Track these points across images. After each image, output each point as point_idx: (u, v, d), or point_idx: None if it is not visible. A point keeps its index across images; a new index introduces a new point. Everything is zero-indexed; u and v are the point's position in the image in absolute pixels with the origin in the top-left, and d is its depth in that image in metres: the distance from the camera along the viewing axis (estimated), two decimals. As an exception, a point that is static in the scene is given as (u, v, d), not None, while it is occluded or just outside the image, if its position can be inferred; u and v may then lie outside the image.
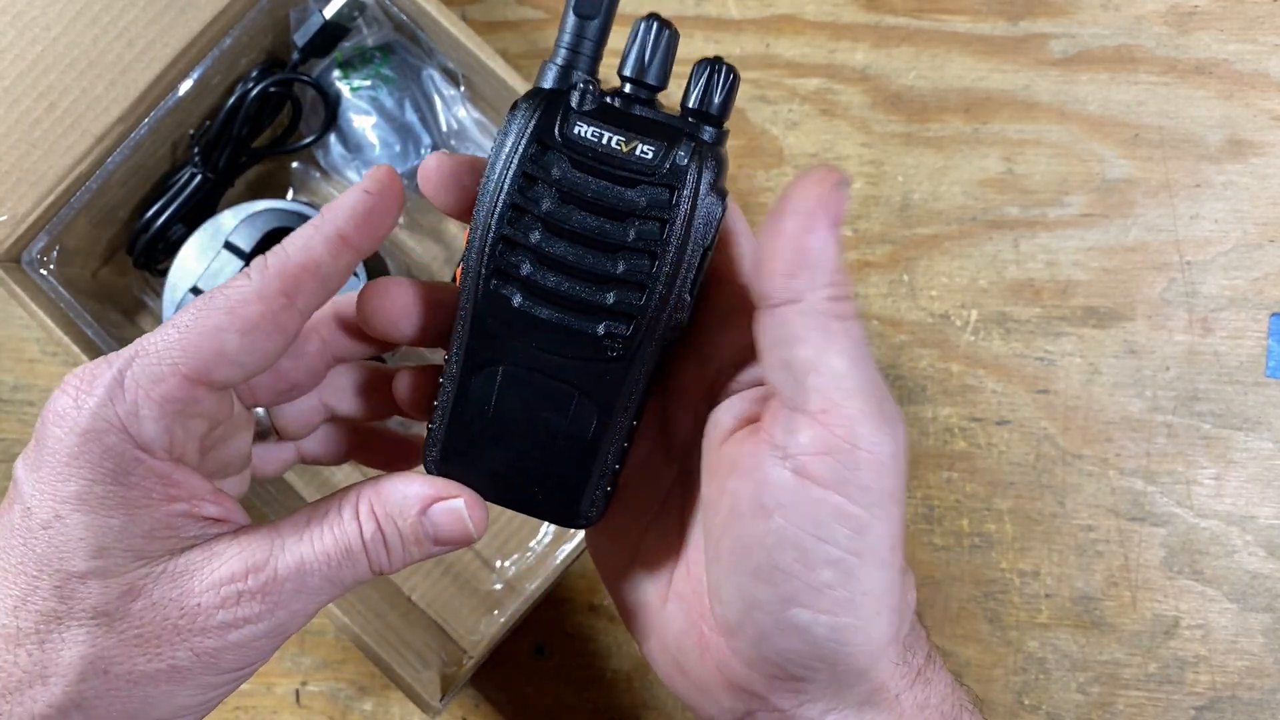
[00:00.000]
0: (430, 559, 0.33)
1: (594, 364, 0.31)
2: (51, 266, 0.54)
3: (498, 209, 0.30)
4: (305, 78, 0.56)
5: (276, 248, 0.31)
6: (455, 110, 0.58)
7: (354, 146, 0.58)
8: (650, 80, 0.30)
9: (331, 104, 0.57)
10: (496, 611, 0.58)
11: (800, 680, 0.30)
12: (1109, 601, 0.55)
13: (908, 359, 0.57)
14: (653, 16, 0.30)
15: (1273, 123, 0.56)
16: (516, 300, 0.31)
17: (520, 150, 0.30)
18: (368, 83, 0.57)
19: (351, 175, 0.58)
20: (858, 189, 0.58)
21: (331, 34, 0.55)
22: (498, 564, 0.59)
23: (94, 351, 0.53)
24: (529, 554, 0.58)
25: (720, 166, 0.30)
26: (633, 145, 0.30)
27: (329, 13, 0.54)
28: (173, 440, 0.30)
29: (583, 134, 0.30)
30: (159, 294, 0.57)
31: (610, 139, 0.30)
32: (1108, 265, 0.56)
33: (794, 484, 0.28)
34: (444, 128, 0.58)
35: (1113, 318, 0.56)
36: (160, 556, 0.30)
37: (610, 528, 0.35)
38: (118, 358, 0.30)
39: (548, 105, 0.30)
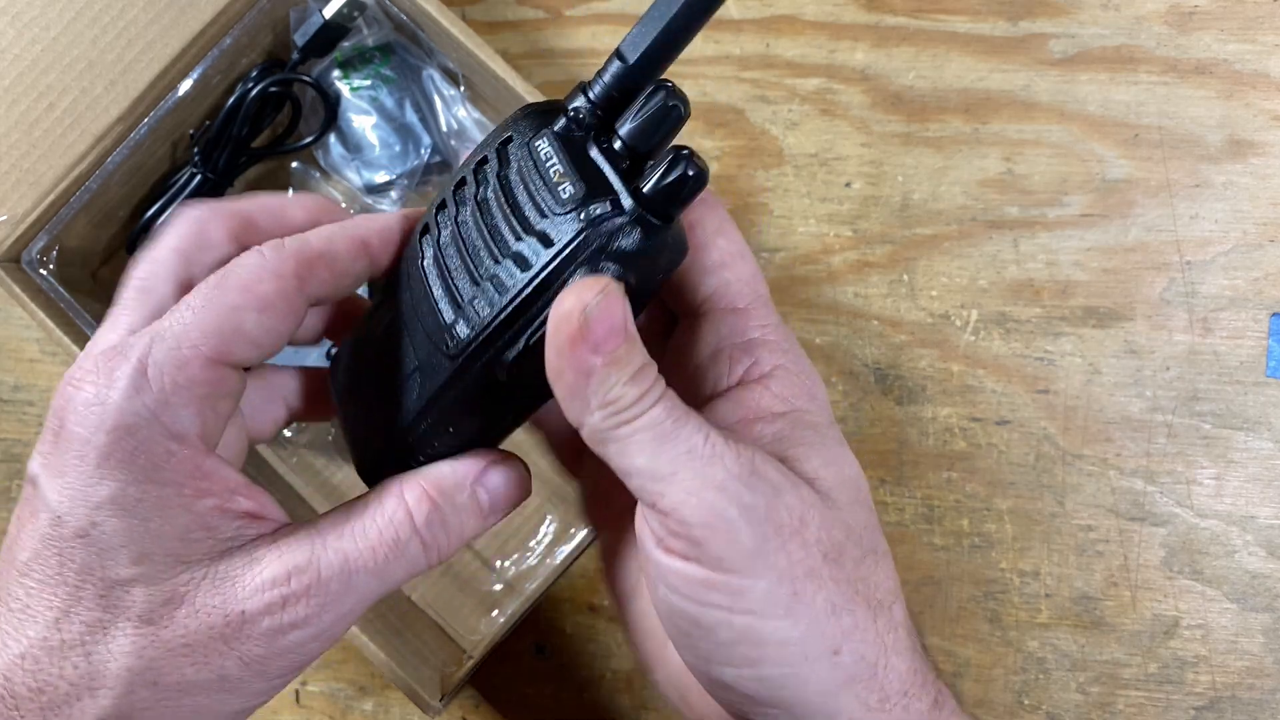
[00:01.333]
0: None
1: (435, 349, 0.31)
2: (51, 266, 0.54)
3: (455, 177, 0.31)
4: (305, 78, 0.56)
5: (296, 234, 0.31)
6: (455, 110, 0.58)
7: (354, 146, 0.58)
8: (638, 146, 0.30)
9: (331, 104, 0.57)
10: (496, 611, 0.58)
11: None
12: (1109, 601, 0.55)
13: (907, 359, 0.57)
14: (670, 90, 0.30)
15: (1273, 123, 0.56)
16: (425, 259, 0.31)
17: (498, 136, 0.31)
18: (368, 83, 0.57)
19: (351, 175, 0.58)
20: (858, 189, 0.58)
21: (331, 34, 0.55)
22: (498, 564, 0.59)
23: (94, 351, 0.53)
24: (529, 554, 0.58)
25: (636, 245, 0.29)
26: (564, 180, 0.29)
27: (329, 13, 0.54)
28: (205, 427, 0.29)
29: (540, 147, 0.30)
30: (159, 294, 0.57)
31: (554, 164, 0.30)
32: (1108, 265, 0.56)
33: (665, 560, 0.29)
34: (444, 128, 0.58)
35: (1113, 318, 0.56)
36: (200, 560, 0.29)
37: (616, 549, 0.35)
38: (134, 344, 0.29)
39: (543, 115, 0.31)
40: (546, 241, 0.29)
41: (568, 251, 0.29)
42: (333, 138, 0.58)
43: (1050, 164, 0.57)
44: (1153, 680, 0.55)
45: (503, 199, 0.30)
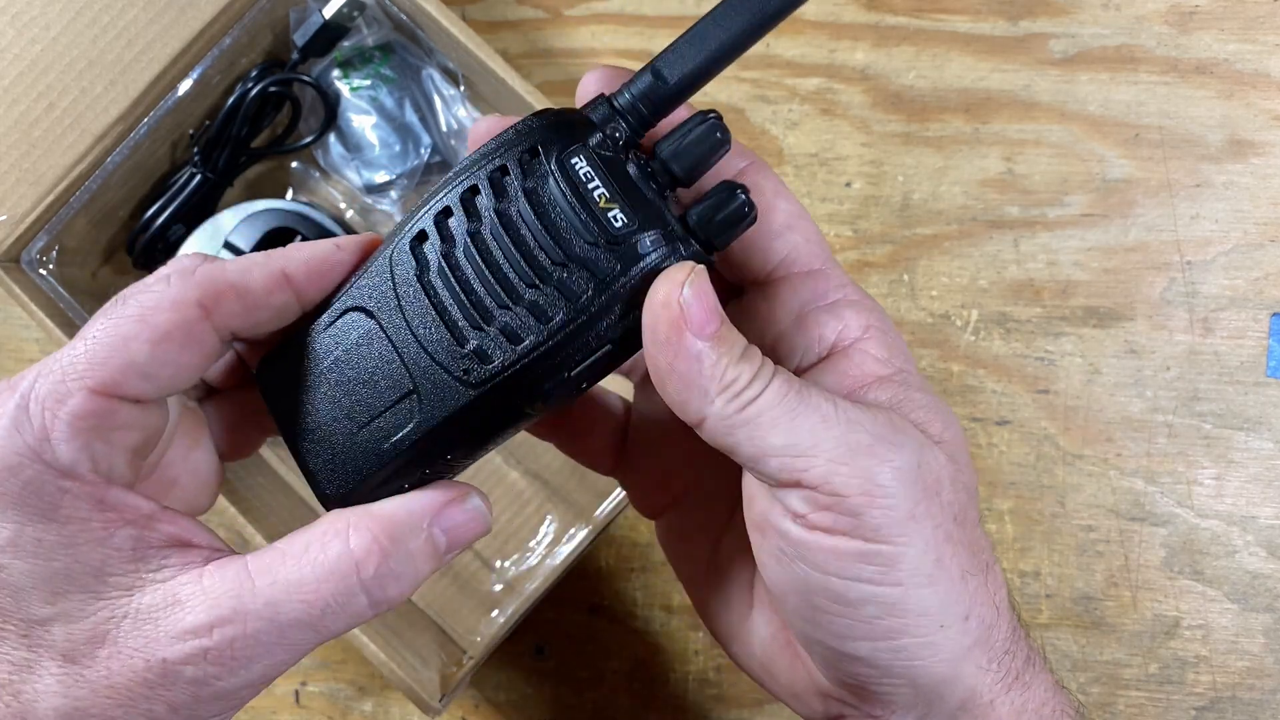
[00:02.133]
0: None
1: (444, 374, 0.29)
2: (51, 266, 0.54)
3: (462, 180, 0.29)
4: (305, 78, 0.56)
5: (217, 260, 0.29)
6: (455, 110, 0.58)
7: (353, 146, 0.58)
8: (677, 172, 0.29)
9: (331, 104, 0.57)
10: (496, 611, 0.58)
11: (886, 695, 0.30)
12: (1109, 602, 0.55)
13: (908, 359, 0.57)
14: (717, 122, 0.29)
15: (1273, 123, 0.56)
16: (428, 270, 0.29)
17: (515, 144, 0.29)
18: (367, 82, 0.57)
19: (351, 175, 0.58)
20: (858, 189, 0.58)
21: (331, 34, 0.55)
22: (498, 564, 0.59)
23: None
24: (529, 554, 0.58)
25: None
26: (612, 206, 0.28)
27: (328, 12, 0.54)
28: (95, 459, 0.27)
29: (577, 165, 0.28)
30: (159, 294, 0.57)
31: (597, 187, 0.28)
32: (1108, 265, 0.56)
33: (806, 536, 0.28)
34: (444, 127, 0.58)
35: (1113, 318, 0.56)
36: (119, 596, 0.27)
37: (683, 531, 0.35)
38: (21, 380, 0.28)
39: (569, 127, 0.29)
40: (596, 273, 0.28)
41: (624, 289, 0.28)
42: (333, 137, 0.58)
43: (1051, 164, 0.57)
44: (1153, 680, 0.55)
45: (534, 218, 0.28)
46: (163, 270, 0.29)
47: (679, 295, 0.27)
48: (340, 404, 0.30)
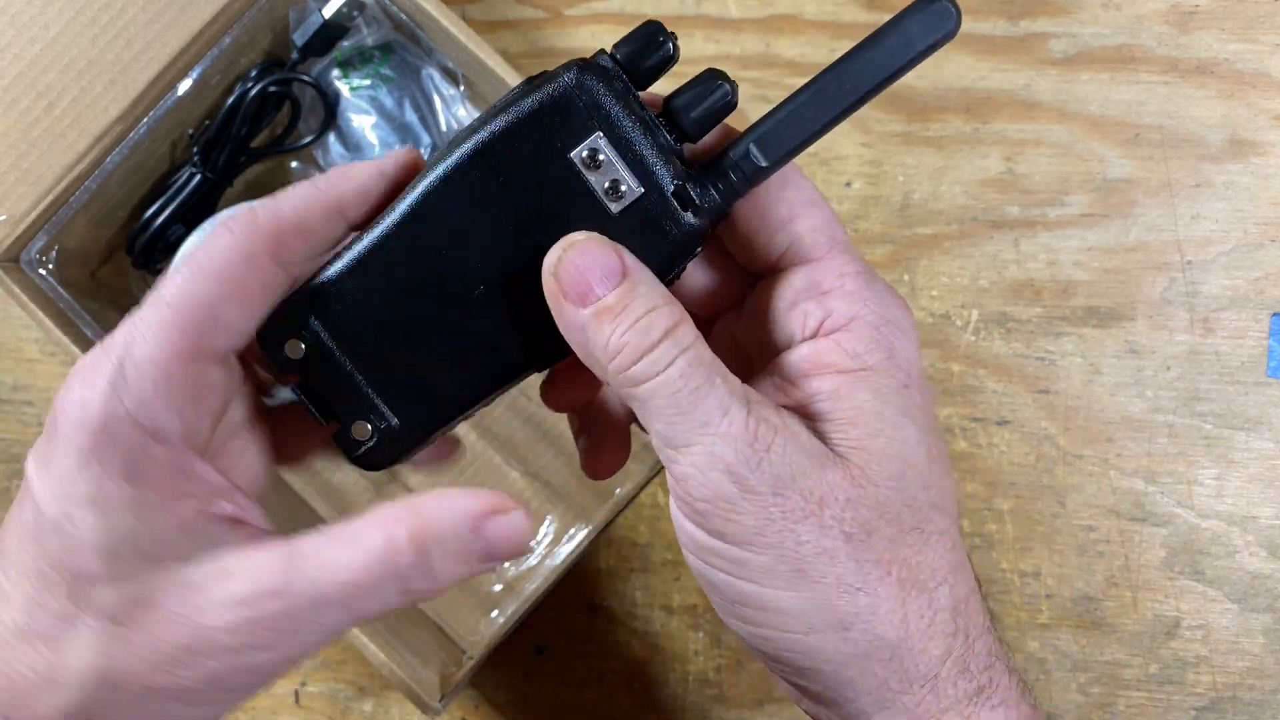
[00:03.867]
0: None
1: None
2: (50, 266, 0.54)
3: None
4: (304, 77, 0.56)
5: (268, 200, 0.29)
6: (455, 110, 0.57)
7: (353, 146, 0.58)
8: (689, 128, 0.30)
9: (331, 104, 0.57)
10: (496, 611, 0.58)
11: (796, 680, 0.31)
12: (1110, 602, 0.55)
13: (908, 359, 0.57)
14: (725, 81, 0.30)
15: (1273, 122, 0.56)
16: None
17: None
18: (367, 82, 0.57)
19: (351, 175, 0.58)
20: (858, 189, 0.58)
21: (331, 33, 0.55)
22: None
23: (93, 351, 0.53)
24: (529, 554, 0.58)
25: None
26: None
27: (328, 12, 0.54)
28: (186, 425, 0.29)
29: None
30: (158, 294, 0.57)
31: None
32: (1108, 265, 0.56)
33: (678, 516, 0.30)
34: (444, 127, 0.57)
35: (1113, 318, 0.56)
36: (172, 562, 0.28)
37: None
38: (114, 345, 0.28)
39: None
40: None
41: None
42: (332, 137, 0.58)
43: (1051, 164, 0.57)
44: (1153, 681, 0.55)
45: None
46: (222, 222, 0.29)
47: (554, 262, 0.28)
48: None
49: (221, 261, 0.29)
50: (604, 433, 0.36)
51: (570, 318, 0.28)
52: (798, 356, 0.31)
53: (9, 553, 0.29)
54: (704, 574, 0.30)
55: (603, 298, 0.28)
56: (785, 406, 0.30)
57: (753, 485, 0.28)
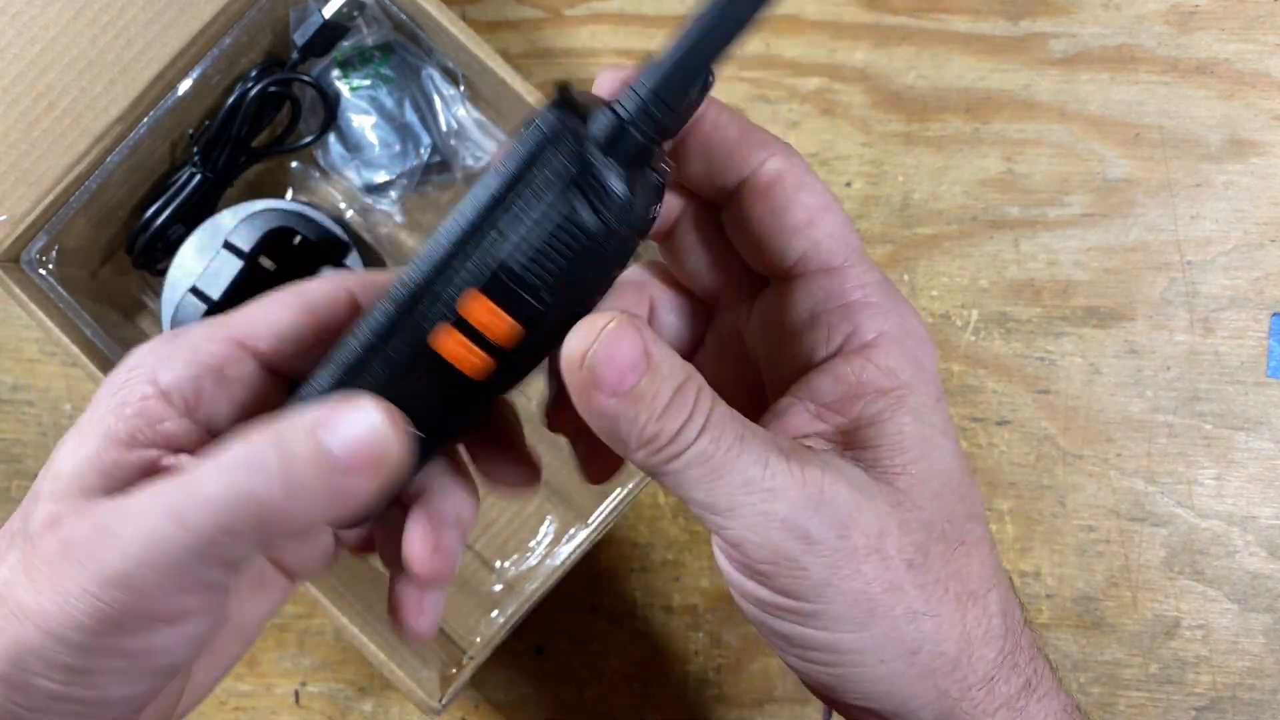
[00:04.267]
0: (357, 509, 0.27)
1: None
2: (50, 266, 0.54)
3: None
4: (305, 77, 0.56)
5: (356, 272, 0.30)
6: (455, 110, 0.57)
7: (353, 146, 0.58)
8: (669, 127, 0.28)
9: (331, 104, 0.57)
10: (496, 611, 0.58)
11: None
12: (1109, 602, 0.55)
13: (908, 359, 0.57)
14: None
15: (1273, 122, 0.56)
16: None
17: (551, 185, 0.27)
18: (367, 82, 0.57)
19: (351, 175, 0.58)
20: (858, 189, 0.58)
21: (331, 33, 0.55)
22: (498, 564, 0.59)
23: (93, 351, 0.53)
24: (529, 554, 0.58)
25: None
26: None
27: (328, 12, 0.54)
28: (200, 393, 0.28)
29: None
30: (158, 294, 0.57)
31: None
32: (1108, 265, 0.56)
33: (735, 576, 0.29)
34: (444, 127, 0.57)
35: (1113, 318, 0.56)
36: (98, 494, 0.27)
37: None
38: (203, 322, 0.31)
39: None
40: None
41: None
42: (332, 137, 0.58)
43: (1051, 164, 0.57)
44: (1153, 680, 0.55)
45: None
46: None
47: (582, 355, 0.26)
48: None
49: (305, 285, 0.30)
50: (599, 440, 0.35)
51: (602, 407, 0.27)
52: (832, 378, 0.30)
53: None
54: (768, 626, 0.29)
55: (633, 386, 0.27)
56: (820, 435, 0.30)
57: (815, 535, 0.27)
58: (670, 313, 0.34)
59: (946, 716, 0.29)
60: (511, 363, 0.28)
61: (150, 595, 0.26)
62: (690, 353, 0.34)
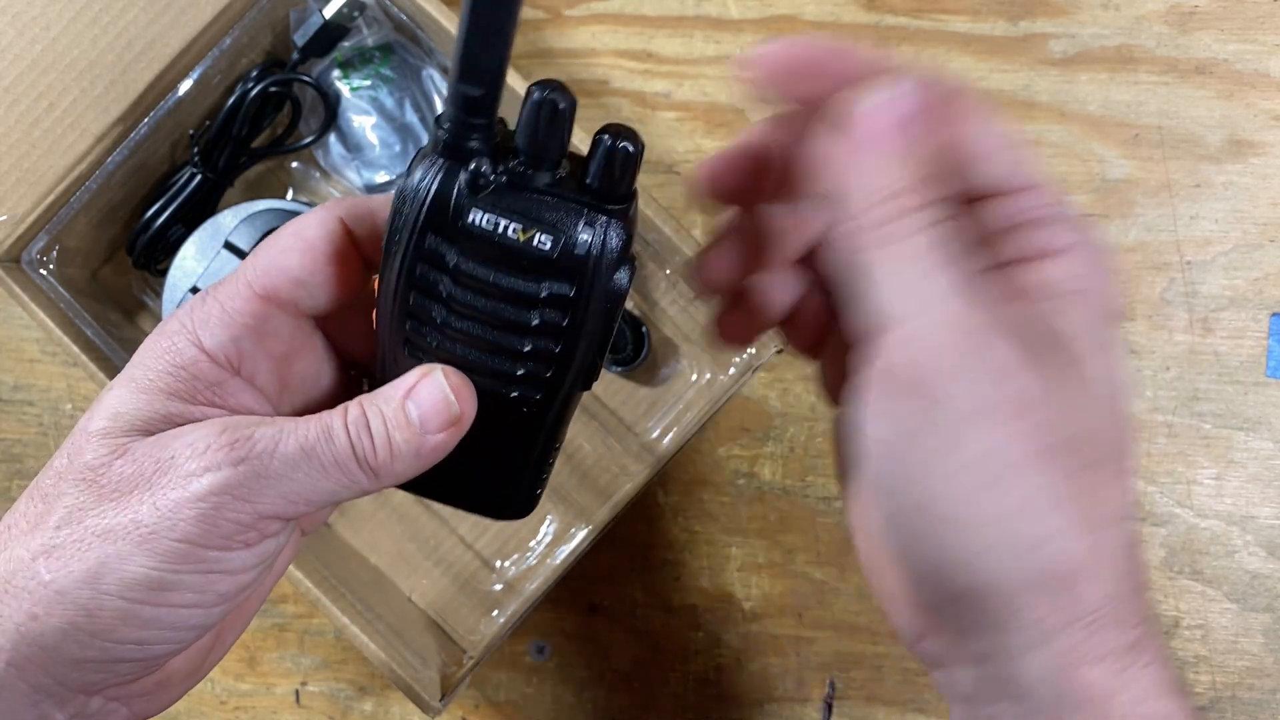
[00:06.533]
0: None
1: (510, 415, 0.33)
2: (51, 266, 0.54)
3: (397, 290, 0.30)
4: (305, 78, 0.56)
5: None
6: (455, 110, 0.58)
7: (354, 146, 0.58)
8: (548, 158, 0.29)
9: (331, 104, 0.57)
10: (496, 611, 0.58)
11: (948, 605, 0.28)
12: (1109, 601, 0.55)
13: (908, 359, 0.57)
14: (547, 88, 0.28)
15: (1273, 123, 0.56)
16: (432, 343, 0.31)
17: (413, 240, 0.29)
18: (367, 83, 0.57)
19: (351, 175, 0.58)
20: (858, 189, 0.58)
21: (331, 34, 0.55)
22: (498, 564, 0.59)
23: (93, 351, 0.53)
24: (529, 554, 0.58)
25: (624, 241, 0.29)
26: (530, 234, 0.29)
27: (329, 13, 0.54)
28: (240, 353, 0.32)
29: (478, 222, 0.29)
30: (159, 294, 0.57)
31: (507, 227, 0.29)
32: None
33: (878, 402, 0.29)
34: (444, 128, 0.58)
35: (1113, 318, 0.56)
36: (161, 431, 0.31)
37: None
38: (225, 280, 0.32)
39: (444, 177, 0.29)
40: (564, 297, 0.30)
41: (592, 290, 0.29)
42: (333, 137, 0.58)
43: (1050, 164, 0.57)
44: (1153, 680, 0.55)
45: (487, 282, 0.29)
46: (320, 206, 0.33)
47: (867, 106, 0.28)
48: (465, 447, 0.33)
49: (302, 224, 0.32)
50: (743, 304, 0.35)
51: (861, 139, 0.28)
52: (1025, 271, 0.30)
53: None
54: (888, 469, 0.28)
55: (889, 145, 0.28)
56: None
57: (994, 342, 0.27)
58: None
59: (1037, 648, 0.27)
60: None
61: (247, 510, 0.30)
62: None
